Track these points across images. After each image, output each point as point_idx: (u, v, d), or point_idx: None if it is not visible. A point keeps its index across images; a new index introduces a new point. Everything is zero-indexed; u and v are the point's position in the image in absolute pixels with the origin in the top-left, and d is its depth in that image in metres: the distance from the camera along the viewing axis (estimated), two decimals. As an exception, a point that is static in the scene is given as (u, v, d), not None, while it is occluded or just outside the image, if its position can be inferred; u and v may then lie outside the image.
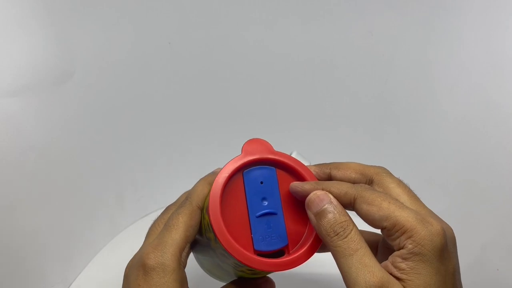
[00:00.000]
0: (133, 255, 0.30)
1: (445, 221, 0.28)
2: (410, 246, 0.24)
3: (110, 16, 0.50)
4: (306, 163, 0.32)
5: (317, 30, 0.52)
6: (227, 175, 0.29)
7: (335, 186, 0.28)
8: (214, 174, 0.32)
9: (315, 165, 0.32)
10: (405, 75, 0.52)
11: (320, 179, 0.31)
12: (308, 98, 0.56)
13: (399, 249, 0.25)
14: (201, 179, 0.33)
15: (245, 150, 0.31)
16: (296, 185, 0.30)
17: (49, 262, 0.46)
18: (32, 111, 0.44)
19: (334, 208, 0.27)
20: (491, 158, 0.43)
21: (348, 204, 0.28)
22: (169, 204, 0.33)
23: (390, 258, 0.26)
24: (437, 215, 0.28)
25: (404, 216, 0.25)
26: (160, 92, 0.55)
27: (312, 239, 0.29)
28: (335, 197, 0.27)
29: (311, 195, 0.28)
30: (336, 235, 0.26)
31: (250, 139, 0.31)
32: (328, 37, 0.52)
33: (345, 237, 0.26)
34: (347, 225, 0.26)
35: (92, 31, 0.50)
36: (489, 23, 0.43)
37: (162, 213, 0.33)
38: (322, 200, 0.27)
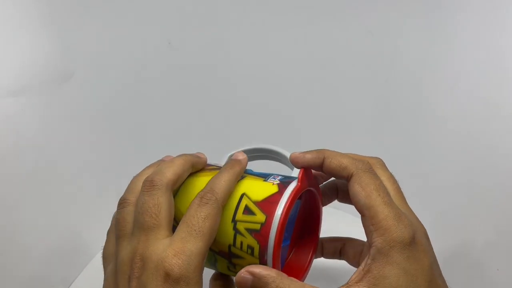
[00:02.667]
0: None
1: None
2: (379, 245, 0.26)
3: (110, 16, 0.50)
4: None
5: (317, 30, 0.52)
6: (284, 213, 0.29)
7: (337, 158, 0.29)
8: (240, 164, 0.31)
9: (309, 152, 0.32)
10: (405, 75, 0.52)
11: (314, 166, 0.31)
12: (308, 98, 0.56)
13: (370, 243, 0.26)
14: (226, 171, 0.30)
15: (302, 180, 0.31)
16: (296, 155, 0.31)
17: (49, 262, 0.46)
18: (32, 111, 0.44)
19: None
20: (491, 158, 0.43)
21: (344, 178, 0.29)
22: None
23: (361, 264, 0.26)
24: (415, 214, 0.29)
25: (385, 214, 0.26)
26: (160, 92, 0.55)
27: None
28: (333, 169, 0.29)
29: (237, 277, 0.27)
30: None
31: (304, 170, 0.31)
32: (328, 37, 0.52)
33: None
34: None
35: (92, 31, 0.50)
36: (489, 23, 0.43)
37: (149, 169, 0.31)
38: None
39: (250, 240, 0.29)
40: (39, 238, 0.44)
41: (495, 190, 0.43)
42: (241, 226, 0.29)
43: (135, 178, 0.31)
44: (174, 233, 0.27)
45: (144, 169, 0.32)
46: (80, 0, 0.48)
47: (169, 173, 0.29)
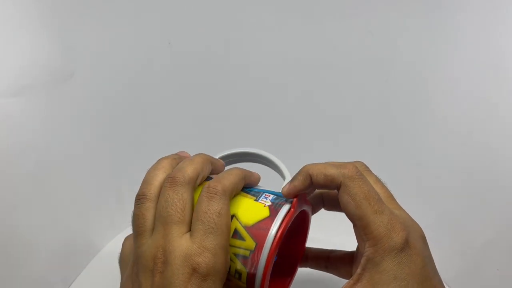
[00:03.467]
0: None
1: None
2: (371, 255, 0.26)
3: (110, 16, 0.50)
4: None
5: (316, 30, 0.52)
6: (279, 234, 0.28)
7: (322, 172, 0.29)
8: (251, 172, 0.32)
9: (295, 179, 0.31)
10: (405, 75, 0.52)
11: (307, 189, 0.31)
12: (308, 98, 0.55)
13: (361, 252, 0.27)
14: (234, 168, 0.31)
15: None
16: (287, 189, 0.30)
17: (49, 262, 0.46)
18: (32, 111, 0.44)
19: None
20: (491, 158, 0.43)
21: (334, 188, 0.29)
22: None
23: (355, 273, 0.27)
24: (409, 214, 0.29)
25: (376, 223, 0.26)
26: (160, 92, 0.55)
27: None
28: (322, 185, 0.29)
29: None
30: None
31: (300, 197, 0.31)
32: (327, 37, 0.52)
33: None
34: None
35: (92, 31, 0.50)
36: (489, 23, 0.43)
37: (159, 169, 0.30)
38: None
39: (238, 265, 0.28)
40: (39, 238, 0.44)
41: (495, 190, 0.43)
42: (230, 249, 0.29)
43: (151, 171, 0.30)
44: (192, 229, 0.27)
45: (158, 162, 0.31)
46: (80, 0, 0.48)
47: (190, 171, 0.29)
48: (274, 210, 0.29)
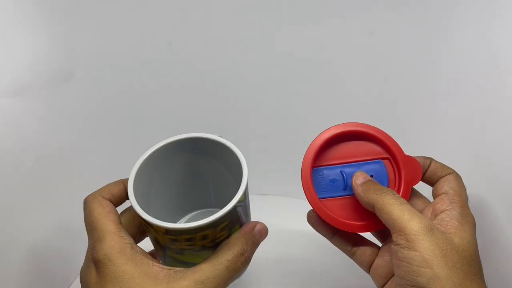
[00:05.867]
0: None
1: None
2: (459, 211, 0.31)
3: (110, 16, 0.50)
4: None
5: (316, 30, 0.52)
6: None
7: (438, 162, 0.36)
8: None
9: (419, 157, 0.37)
10: (405, 75, 0.52)
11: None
12: (308, 98, 0.56)
13: (446, 210, 0.31)
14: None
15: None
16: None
17: (49, 262, 0.46)
18: (32, 111, 0.44)
19: (375, 181, 0.33)
20: (491, 158, 0.43)
21: (439, 177, 0.35)
22: None
23: (436, 219, 0.31)
24: None
25: (465, 196, 0.34)
26: (160, 92, 0.55)
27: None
28: (437, 168, 0.36)
29: (356, 173, 0.33)
30: (385, 192, 0.30)
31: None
32: (327, 37, 0.52)
33: (394, 194, 0.30)
34: (391, 190, 0.31)
35: (92, 31, 0.50)
36: (489, 23, 0.43)
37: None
38: (366, 176, 0.33)
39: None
40: (39, 238, 0.44)
41: (495, 190, 0.43)
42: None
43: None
44: None
45: None
46: (80, 0, 0.48)
47: (97, 191, 0.34)
48: None
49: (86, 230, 0.31)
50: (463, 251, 0.28)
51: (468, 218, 0.31)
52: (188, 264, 0.31)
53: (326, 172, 0.35)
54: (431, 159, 0.36)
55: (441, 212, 0.31)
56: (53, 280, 0.47)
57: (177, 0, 0.51)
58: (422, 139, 0.51)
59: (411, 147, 0.52)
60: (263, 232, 0.34)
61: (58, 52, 0.47)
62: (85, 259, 0.31)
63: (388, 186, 0.35)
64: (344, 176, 0.34)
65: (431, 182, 0.35)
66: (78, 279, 0.49)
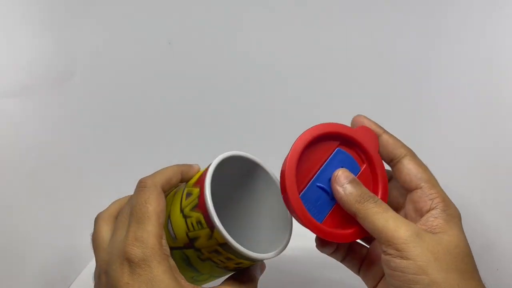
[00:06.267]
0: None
1: None
2: (442, 208, 0.29)
3: (110, 16, 0.50)
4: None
5: (316, 30, 0.52)
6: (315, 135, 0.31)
7: (393, 139, 0.34)
8: (190, 165, 0.33)
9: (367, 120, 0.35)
10: (405, 75, 0.52)
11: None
12: (308, 98, 0.55)
13: (428, 210, 0.29)
14: (172, 165, 0.33)
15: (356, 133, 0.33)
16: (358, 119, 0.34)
17: (49, 262, 0.46)
18: (32, 111, 0.44)
19: (358, 183, 0.31)
20: (490, 158, 0.43)
21: (392, 158, 0.33)
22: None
23: (421, 220, 0.30)
24: None
25: (439, 188, 0.31)
26: (160, 92, 0.55)
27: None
28: (388, 147, 0.33)
29: (337, 172, 0.31)
30: (367, 200, 0.29)
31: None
32: (327, 37, 0.52)
33: (376, 201, 0.29)
34: (373, 195, 0.30)
35: (93, 31, 0.50)
36: (489, 23, 0.43)
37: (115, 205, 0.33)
38: (349, 175, 0.31)
39: (195, 215, 0.30)
40: (39, 238, 0.44)
41: (495, 190, 0.43)
42: (186, 210, 0.30)
43: (112, 202, 0.35)
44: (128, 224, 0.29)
45: (119, 198, 0.35)
46: (80, 0, 0.48)
47: (158, 177, 0.31)
48: (208, 165, 0.32)
49: (130, 215, 0.29)
50: (455, 249, 0.27)
51: (451, 212, 0.29)
52: (194, 268, 0.32)
53: (307, 194, 0.32)
54: (383, 130, 0.34)
55: (426, 212, 0.30)
56: (53, 280, 0.47)
57: (177, 0, 0.51)
58: (422, 139, 0.51)
59: (410, 146, 0.52)
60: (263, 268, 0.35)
61: (59, 53, 0.47)
62: (115, 250, 0.28)
63: (360, 170, 0.33)
64: (324, 187, 0.32)
65: (386, 158, 0.33)
66: (78, 279, 0.49)
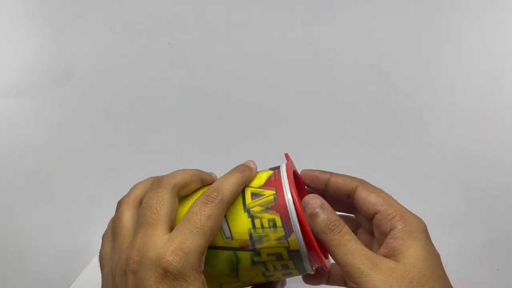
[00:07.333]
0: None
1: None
2: (400, 226, 0.29)
3: (110, 17, 0.50)
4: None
5: (316, 30, 0.52)
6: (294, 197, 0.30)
7: (341, 177, 0.33)
8: (250, 171, 0.32)
9: (315, 171, 0.35)
10: (405, 75, 0.52)
11: (319, 185, 0.34)
12: (308, 98, 0.55)
13: (389, 231, 0.29)
14: (234, 173, 0.31)
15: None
16: (309, 172, 0.34)
17: (49, 262, 0.46)
18: (32, 111, 0.44)
19: (325, 210, 0.29)
20: (490, 158, 0.43)
21: (348, 194, 0.33)
22: None
23: (384, 243, 0.30)
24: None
25: (396, 205, 0.31)
26: (159, 92, 0.55)
27: None
28: (339, 186, 0.33)
29: (305, 199, 0.30)
30: (331, 231, 0.29)
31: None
32: (327, 37, 0.52)
33: (339, 232, 0.29)
34: (339, 223, 0.29)
35: (92, 31, 0.50)
36: (489, 23, 0.43)
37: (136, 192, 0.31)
38: (315, 204, 0.30)
39: (267, 216, 0.29)
40: (39, 238, 0.44)
41: (495, 190, 0.43)
42: (255, 209, 0.30)
43: (134, 186, 0.33)
44: (174, 229, 0.27)
45: (140, 182, 0.33)
46: (81, 0, 0.48)
47: (178, 177, 0.30)
48: (274, 169, 0.32)
49: (184, 220, 0.27)
50: (410, 273, 0.27)
51: (409, 228, 0.29)
52: (235, 274, 0.31)
53: None
54: (329, 173, 0.34)
55: (388, 233, 0.30)
56: (53, 280, 0.47)
57: (177, 0, 0.51)
58: (422, 139, 0.51)
59: (410, 146, 0.52)
60: None
61: (58, 53, 0.47)
62: (151, 253, 0.26)
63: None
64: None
65: (342, 196, 0.33)
66: (78, 279, 0.49)
